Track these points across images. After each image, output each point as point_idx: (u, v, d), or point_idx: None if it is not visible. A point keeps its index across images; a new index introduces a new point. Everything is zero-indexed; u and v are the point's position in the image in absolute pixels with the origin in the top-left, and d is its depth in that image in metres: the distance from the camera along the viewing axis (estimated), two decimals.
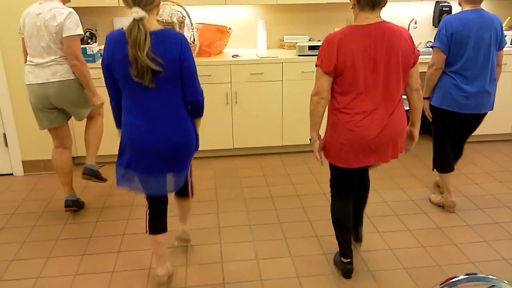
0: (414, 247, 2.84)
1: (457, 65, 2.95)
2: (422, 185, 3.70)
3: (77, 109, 3.09)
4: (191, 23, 3.82)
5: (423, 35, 4.77)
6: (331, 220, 3.09)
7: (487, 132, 4.24)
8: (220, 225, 3.12)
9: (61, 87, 2.94)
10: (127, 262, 2.73)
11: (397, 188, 3.64)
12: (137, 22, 1.93)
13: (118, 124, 2.28)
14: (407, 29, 4.62)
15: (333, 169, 2.46)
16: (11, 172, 3.97)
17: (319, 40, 4.46)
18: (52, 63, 2.90)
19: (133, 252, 2.82)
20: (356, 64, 2.15)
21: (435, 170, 3.28)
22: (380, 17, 2.20)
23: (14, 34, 3.13)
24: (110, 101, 2.24)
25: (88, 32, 4.09)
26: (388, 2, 2.23)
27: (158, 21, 3.74)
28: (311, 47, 4.07)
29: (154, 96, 2.06)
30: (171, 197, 2.50)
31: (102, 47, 4.06)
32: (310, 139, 2.44)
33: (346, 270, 2.56)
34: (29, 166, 3.93)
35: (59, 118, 3.08)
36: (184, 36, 2.07)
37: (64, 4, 2.95)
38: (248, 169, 4.05)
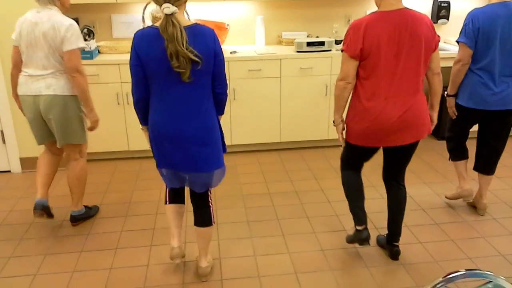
0: (411, 243, 2.85)
1: (484, 62, 2.80)
2: (420, 181, 3.70)
3: (62, 130, 2.81)
4: (189, 19, 3.81)
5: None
6: (329, 216, 3.09)
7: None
8: (218, 221, 3.12)
9: (52, 101, 2.73)
10: (125, 259, 2.73)
11: None
12: (169, 17, 1.99)
13: (143, 120, 2.31)
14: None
15: (350, 146, 2.54)
16: (8, 169, 3.96)
17: (317, 36, 4.45)
18: (49, 76, 2.72)
19: (131, 249, 2.82)
20: (381, 48, 2.24)
21: (450, 160, 3.23)
22: (402, 3, 2.29)
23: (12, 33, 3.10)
24: (136, 103, 2.23)
25: (85, 29, 4.08)
26: None
27: (156, 17, 3.76)
28: (309, 44, 4.07)
29: (187, 90, 2.12)
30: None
31: (100, 43, 4.10)
32: (333, 122, 2.53)
33: (364, 238, 2.60)
34: (27, 163, 3.93)
35: (50, 134, 2.88)
36: (214, 30, 2.14)
37: (63, 12, 2.77)
38: (246, 165, 4.05)
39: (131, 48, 2.10)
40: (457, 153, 3.17)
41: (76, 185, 3.01)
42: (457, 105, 3.00)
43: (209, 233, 2.48)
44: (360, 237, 2.60)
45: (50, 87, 2.73)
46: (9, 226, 3.10)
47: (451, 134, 3.17)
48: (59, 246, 2.86)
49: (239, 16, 4.48)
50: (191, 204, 2.47)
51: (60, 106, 2.75)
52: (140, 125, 2.36)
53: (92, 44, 3.88)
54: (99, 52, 4.07)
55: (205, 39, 2.07)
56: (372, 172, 3.79)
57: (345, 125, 2.52)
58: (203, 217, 2.44)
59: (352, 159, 2.62)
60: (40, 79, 2.73)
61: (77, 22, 4.25)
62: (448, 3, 4.56)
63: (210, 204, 2.46)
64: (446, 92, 3.02)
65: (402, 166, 2.61)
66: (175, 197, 2.55)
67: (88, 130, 2.96)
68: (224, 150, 2.36)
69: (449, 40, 4.70)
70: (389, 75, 2.29)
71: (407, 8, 2.28)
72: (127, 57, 3.92)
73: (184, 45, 1.99)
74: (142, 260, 2.72)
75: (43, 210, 2.91)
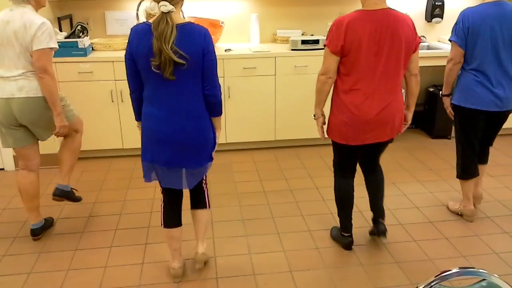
0: (406, 241, 2.86)
1: (475, 63, 2.76)
2: (413, 179, 3.72)
3: (41, 129, 2.74)
4: (183, 16, 3.79)
5: (416, 29, 4.76)
6: (324, 214, 3.10)
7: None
8: (213, 219, 3.12)
9: (26, 104, 2.61)
10: (119, 257, 2.72)
11: (389, 182, 3.66)
12: (165, 15, 2.00)
13: (138, 116, 2.32)
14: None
15: (336, 147, 2.62)
16: (2, 167, 3.94)
17: (312, 35, 4.45)
18: (20, 77, 2.59)
19: (126, 247, 2.82)
20: (361, 46, 2.28)
21: (458, 178, 3.08)
22: (386, 3, 2.33)
23: None
24: (131, 93, 2.26)
25: (79, 26, 4.06)
26: None
27: (150, 14, 3.75)
28: (304, 42, 4.07)
29: (174, 88, 2.11)
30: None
31: (94, 40, 4.07)
32: (314, 115, 2.59)
33: (347, 243, 2.75)
34: None
35: (25, 138, 2.74)
36: (207, 30, 2.13)
37: (37, 10, 2.63)
38: (241, 163, 4.05)
39: (128, 42, 2.13)
40: (470, 167, 3.01)
41: (70, 159, 2.97)
42: (456, 108, 2.92)
43: (204, 216, 2.51)
44: (344, 242, 2.77)
45: (22, 90, 2.60)
46: (2, 224, 3.08)
47: (458, 146, 3.04)
48: (53, 244, 2.84)
49: (234, 13, 4.47)
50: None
51: (34, 108, 2.63)
52: (136, 122, 2.37)
53: (86, 41, 3.86)
54: (93, 49, 4.05)
55: (194, 38, 2.06)
56: None
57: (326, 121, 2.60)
58: (198, 199, 2.49)
59: (341, 162, 2.67)
60: (12, 81, 2.60)
61: (71, 19, 4.25)
62: (442, 1, 4.57)
63: (205, 188, 2.50)
64: (440, 92, 3.01)
65: (376, 158, 2.75)
66: (172, 220, 2.46)
67: (55, 135, 2.79)
68: (213, 147, 2.34)
69: (443, 39, 4.72)
70: (369, 73, 2.34)
71: (391, 8, 2.33)
72: (121, 54, 3.90)
73: (169, 45, 1.99)
74: (137, 258, 2.71)
75: (42, 232, 2.91)
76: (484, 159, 3.12)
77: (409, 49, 2.36)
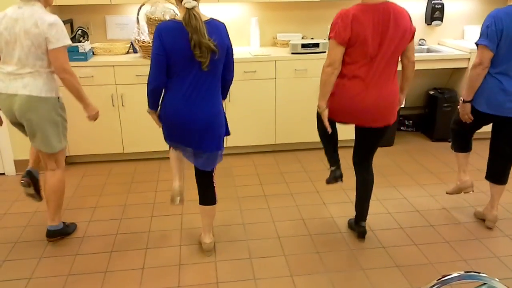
0: (406, 245, 2.85)
1: (504, 66, 2.67)
2: (414, 182, 3.71)
3: (36, 134, 2.67)
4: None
5: (416, 32, 4.74)
6: (324, 218, 3.10)
7: (480, 129, 4.26)
8: (214, 224, 3.11)
9: (26, 102, 2.58)
10: (120, 262, 2.72)
11: (389, 185, 3.65)
12: (191, 11, 2.22)
13: (154, 105, 2.46)
14: None
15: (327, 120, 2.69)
16: (3, 172, 3.94)
17: (312, 38, 4.46)
18: (27, 75, 2.58)
19: (126, 252, 2.81)
20: (366, 38, 2.42)
21: (451, 148, 3.16)
22: None
23: None
24: (154, 88, 2.38)
25: (80, 30, 4.07)
26: None
27: (151, 18, 3.76)
28: (304, 45, 4.07)
29: (203, 77, 2.35)
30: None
31: (94, 45, 4.08)
32: (318, 107, 2.67)
33: (337, 176, 2.84)
34: (21, 165, 3.89)
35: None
36: (225, 25, 2.42)
37: (45, 7, 2.63)
38: (241, 167, 4.05)
39: (155, 39, 2.27)
40: (461, 144, 3.07)
41: (52, 198, 2.80)
42: (472, 108, 2.84)
43: (213, 210, 2.73)
44: (334, 176, 2.85)
45: (26, 87, 2.58)
46: (3, 229, 3.08)
47: (458, 128, 3.02)
48: (54, 249, 2.84)
49: (234, 17, 4.48)
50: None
51: (34, 108, 2.60)
52: (148, 108, 2.49)
53: (87, 45, 3.87)
54: (93, 53, 4.06)
55: (220, 32, 2.35)
56: None
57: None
58: (208, 196, 2.68)
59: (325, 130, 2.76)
60: (18, 78, 2.59)
61: (71, 24, 4.26)
62: (442, 4, 4.58)
63: (214, 184, 2.68)
64: (461, 98, 2.88)
65: (370, 150, 2.82)
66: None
67: (89, 120, 2.86)
68: (228, 133, 2.62)
69: (443, 41, 4.73)
70: (371, 62, 2.48)
71: (389, 2, 2.47)
72: (121, 58, 3.94)
73: (206, 37, 2.23)
74: (137, 263, 2.71)
75: (31, 178, 2.87)
76: (501, 179, 2.97)
77: (407, 39, 2.53)
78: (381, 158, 4.17)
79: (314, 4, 4.46)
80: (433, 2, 4.57)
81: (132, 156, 4.18)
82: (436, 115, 4.53)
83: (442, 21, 4.64)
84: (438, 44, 4.78)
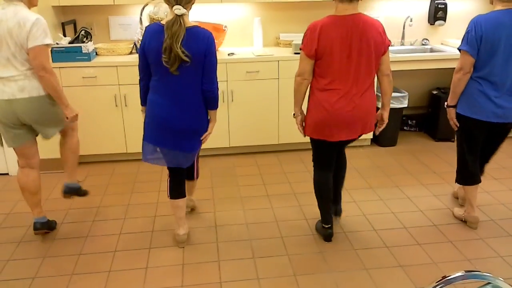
0: (410, 245, 2.85)
1: (485, 71, 2.70)
2: (417, 182, 3.71)
3: (46, 127, 2.78)
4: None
5: (419, 32, 4.78)
6: None
7: None
8: (217, 223, 3.12)
9: (30, 104, 2.62)
10: (123, 261, 2.73)
11: (393, 185, 3.65)
12: (179, 18, 2.31)
13: (144, 102, 2.64)
14: (402, 26, 4.66)
15: (313, 143, 2.78)
16: (6, 172, 3.95)
17: None
18: (20, 77, 2.58)
19: (130, 252, 2.82)
20: (334, 49, 2.45)
21: (457, 183, 3.09)
22: (357, 9, 2.48)
23: None
24: (140, 81, 2.59)
25: (83, 31, 4.08)
26: (384, 0, 2.29)
27: (154, 19, 3.77)
28: None
29: (177, 81, 2.44)
30: None
31: (98, 45, 4.10)
32: (293, 114, 2.75)
33: (327, 234, 2.88)
34: None
35: (25, 136, 2.76)
36: (211, 33, 2.43)
37: (29, 8, 2.62)
38: (244, 167, 4.05)
39: (142, 38, 2.45)
40: (465, 175, 2.99)
41: (71, 156, 3.03)
42: (458, 116, 2.87)
43: (193, 184, 3.05)
44: (325, 234, 2.89)
45: (24, 90, 2.59)
46: (7, 229, 3.09)
47: (459, 153, 3.01)
48: (58, 249, 2.85)
49: (237, 17, 4.48)
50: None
51: (37, 107, 2.66)
52: (141, 106, 2.68)
53: (90, 46, 3.88)
54: (96, 54, 4.07)
55: (199, 41, 2.37)
56: (371, 175, 3.80)
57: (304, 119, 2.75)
58: (189, 174, 2.90)
59: (319, 157, 2.82)
60: (12, 81, 2.58)
61: (75, 24, 4.27)
62: (445, 4, 4.57)
63: (195, 164, 2.89)
64: (446, 103, 2.92)
65: (343, 150, 2.95)
66: (177, 192, 2.77)
67: (68, 121, 2.83)
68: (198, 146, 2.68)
69: (446, 41, 4.72)
70: (342, 74, 2.50)
71: (361, 14, 2.48)
72: (124, 59, 3.95)
73: (179, 44, 2.30)
74: (141, 262, 2.71)
75: (43, 228, 2.92)
76: (481, 166, 3.04)
77: (379, 52, 2.51)
78: (384, 158, 4.17)
79: (317, 4, 4.46)
80: (436, 2, 4.57)
81: (135, 156, 4.19)
82: (439, 115, 4.52)
83: (445, 21, 4.64)
84: (441, 44, 4.77)
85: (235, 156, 4.26)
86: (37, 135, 2.85)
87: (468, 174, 2.97)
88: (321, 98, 2.56)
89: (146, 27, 2.46)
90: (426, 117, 4.82)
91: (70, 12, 4.23)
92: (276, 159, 4.21)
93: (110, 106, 3.93)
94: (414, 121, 4.88)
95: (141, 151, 4.10)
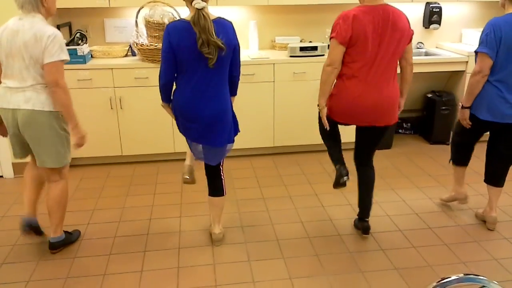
0: (405, 248, 2.86)
1: (503, 73, 2.70)
2: (413, 185, 3.72)
3: (42, 150, 2.60)
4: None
5: (414, 36, 4.78)
6: (323, 221, 3.10)
7: None
8: (212, 226, 3.11)
9: (31, 117, 2.50)
10: (118, 265, 2.71)
11: (388, 188, 3.66)
12: (200, 11, 2.31)
13: (166, 99, 2.60)
14: None
15: (328, 120, 2.73)
16: (1, 175, 3.93)
17: (310, 41, 4.47)
18: (28, 89, 2.50)
19: (125, 255, 2.81)
20: (367, 37, 2.50)
21: (451, 162, 3.19)
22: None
23: None
24: (164, 84, 2.52)
25: (78, 33, 4.07)
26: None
27: (149, 21, 3.76)
28: (302, 48, 4.08)
29: (211, 74, 2.46)
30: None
31: (93, 48, 4.09)
32: (318, 105, 2.73)
33: (343, 174, 2.79)
34: (19, 168, 3.89)
35: (30, 148, 2.66)
36: (232, 24, 2.51)
37: (47, 18, 2.56)
38: (240, 170, 4.05)
39: (164, 38, 2.41)
40: (461, 158, 3.13)
41: (55, 210, 2.74)
42: (472, 116, 2.87)
43: (221, 202, 2.86)
44: (341, 173, 2.81)
45: (29, 101, 2.50)
46: (1, 232, 3.07)
47: (459, 139, 3.07)
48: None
49: (233, 20, 4.43)
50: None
51: (38, 123, 2.52)
52: (162, 102, 2.63)
53: (85, 48, 3.87)
54: (92, 56, 4.06)
55: (228, 31, 2.45)
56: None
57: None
58: (216, 188, 2.81)
59: (328, 132, 2.82)
60: (20, 92, 2.50)
61: (70, 27, 4.26)
62: (440, 8, 4.59)
63: (222, 177, 2.82)
64: (461, 104, 2.91)
65: (371, 149, 2.88)
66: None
67: (75, 147, 2.70)
68: (237, 131, 2.73)
69: (440, 45, 4.74)
70: (371, 62, 2.54)
71: (388, 4, 2.55)
72: (120, 61, 3.94)
73: (214, 35, 2.33)
74: (136, 266, 2.70)
75: (31, 229, 2.80)
76: (498, 182, 3.01)
77: (405, 41, 2.60)
78: (379, 160, 4.18)
79: (312, 7, 4.47)
80: (431, 5, 4.59)
81: (131, 158, 4.18)
82: (434, 118, 4.55)
83: (440, 24, 4.65)
84: (436, 47, 4.80)
85: (230, 158, 4.26)
86: None
87: (464, 156, 3.11)
88: (348, 84, 2.60)
89: (169, 26, 2.41)
90: (421, 120, 4.84)
91: (65, 15, 4.22)
92: (271, 162, 4.21)
93: (105, 109, 3.92)
94: (409, 124, 4.90)
95: (136, 154, 4.12)
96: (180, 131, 2.69)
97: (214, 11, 4.34)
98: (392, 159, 4.23)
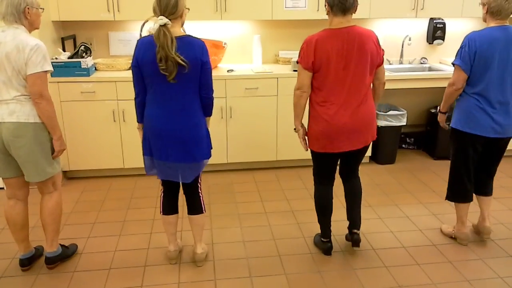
0: (409, 265, 2.81)
1: (480, 87, 2.72)
2: (416, 201, 3.68)
3: (28, 164, 2.53)
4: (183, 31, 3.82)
5: (417, 51, 4.80)
6: None
7: None
8: (214, 241, 3.08)
9: (16, 130, 2.45)
10: (118, 279, 2.68)
11: (392, 204, 3.62)
12: (162, 28, 2.31)
13: (140, 119, 2.59)
14: (401, 45, 4.68)
15: (314, 156, 2.80)
16: (1, 187, 3.91)
17: None
18: (12, 101, 2.45)
19: (125, 269, 2.77)
20: (330, 61, 2.50)
21: (447, 200, 3.07)
22: (351, 21, 2.54)
23: None
24: (136, 98, 2.54)
25: (83, 46, 4.09)
26: (382, 19, 2.34)
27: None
28: None
29: (174, 90, 2.42)
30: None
31: (97, 60, 4.10)
32: (294, 128, 2.77)
33: (327, 248, 2.91)
34: None
35: (10, 168, 2.58)
36: (204, 42, 2.45)
37: (30, 32, 2.52)
38: (242, 184, 4.02)
39: (134, 52, 2.44)
40: (458, 192, 2.99)
41: (50, 222, 2.69)
42: (454, 131, 2.89)
43: (201, 220, 2.78)
44: (324, 248, 2.92)
45: (13, 114, 2.44)
46: (1, 245, 3.04)
47: (452, 169, 3.01)
48: None
49: (237, 35, 4.50)
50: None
51: (25, 136, 2.46)
52: (137, 124, 2.62)
53: (89, 61, 3.88)
54: (95, 69, 4.07)
55: (193, 49, 2.39)
56: (369, 194, 3.78)
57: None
58: (194, 206, 2.74)
59: (320, 169, 2.84)
60: (3, 104, 2.45)
61: (74, 39, 4.28)
62: (444, 24, 4.60)
63: (200, 194, 2.75)
64: (438, 108, 3.03)
65: (355, 166, 2.89)
66: (169, 208, 2.75)
67: (54, 155, 2.63)
68: (207, 156, 2.62)
69: (444, 60, 4.74)
70: (339, 86, 2.54)
71: (356, 26, 2.54)
72: (124, 74, 3.95)
73: (173, 51, 2.31)
74: (136, 281, 2.67)
75: (30, 263, 2.77)
76: (486, 191, 3.04)
77: (374, 62, 2.57)
78: (383, 176, 4.15)
79: (315, 22, 4.48)
80: (434, 21, 4.60)
81: (133, 171, 4.16)
82: (437, 133, 4.52)
83: (443, 40, 4.66)
84: (440, 62, 4.80)
85: (233, 172, 4.24)
86: None
87: (461, 191, 2.99)
88: (320, 110, 2.60)
89: (138, 40, 2.45)
90: (424, 135, 4.82)
91: (70, 27, 4.25)
92: (274, 176, 4.19)
93: (108, 121, 3.92)
94: (412, 139, 4.88)
95: (138, 167, 4.10)
96: (146, 154, 2.56)
97: (219, 26, 4.41)
98: (395, 174, 4.20)
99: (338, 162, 2.84)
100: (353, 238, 2.90)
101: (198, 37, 2.47)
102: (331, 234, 2.92)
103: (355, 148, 2.65)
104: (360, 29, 2.53)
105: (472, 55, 2.68)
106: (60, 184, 2.77)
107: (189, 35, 2.44)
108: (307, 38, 2.56)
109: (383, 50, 2.63)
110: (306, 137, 2.75)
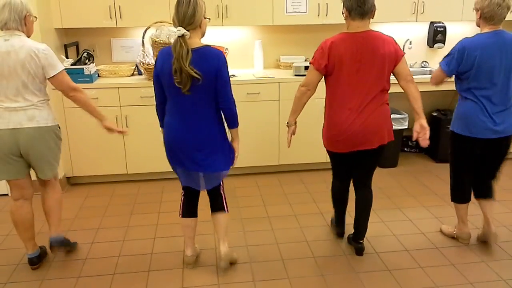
0: (412, 268, 2.82)
1: (476, 91, 2.75)
2: (419, 204, 3.69)
3: (45, 164, 2.70)
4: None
5: (418, 55, 4.82)
6: (328, 240, 3.07)
7: None
8: (217, 246, 3.08)
9: (37, 134, 2.58)
10: (122, 284, 2.69)
11: (394, 207, 3.63)
12: (180, 38, 2.31)
13: (162, 123, 2.63)
14: (402, 48, 4.70)
15: (330, 154, 2.90)
16: (6, 193, 3.94)
17: None
18: (30, 107, 2.56)
19: (129, 274, 2.79)
20: (342, 64, 2.55)
21: (452, 201, 3.10)
22: (368, 26, 2.59)
23: None
24: (157, 106, 2.59)
25: (85, 53, 4.12)
26: (383, 23, 2.38)
27: (155, 41, 3.80)
28: (307, 67, 4.07)
29: (190, 102, 2.42)
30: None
31: (100, 67, 4.13)
32: (287, 123, 2.84)
33: (337, 233, 3.15)
34: None
35: (22, 170, 2.69)
36: (222, 52, 2.44)
37: (28, 37, 2.62)
38: (244, 188, 4.03)
39: (155, 61, 2.50)
40: (459, 193, 3.03)
41: (56, 209, 2.87)
42: (454, 135, 2.92)
43: (223, 219, 2.76)
44: (337, 231, 3.15)
45: (33, 119, 2.57)
46: (5, 251, 3.06)
47: (452, 171, 3.04)
48: (56, 272, 2.82)
49: (238, 40, 4.53)
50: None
51: (44, 138, 2.62)
52: (160, 128, 2.65)
53: (92, 67, 3.91)
54: (98, 75, 4.10)
55: (208, 60, 2.37)
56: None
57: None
58: (217, 205, 2.75)
59: (336, 167, 2.95)
60: (20, 111, 2.54)
61: (77, 46, 4.32)
62: (444, 27, 4.62)
63: (223, 194, 2.76)
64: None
65: (368, 170, 2.87)
66: (188, 211, 2.77)
67: (110, 132, 2.89)
68: (225, 167, 2.61)
69: None
70: (352, 89, 2.58)
71: (372, 30, 2.58)
72: (126, 80, 3.97)
73: (187, 63, 2.29)
74: (140, 285, 2.68)
75: (39, 261, 2.85)
76: (486, 193, 3.02)
77: (391, 63, 2.58)
78: (385, 179, 4.16)
79: (316, 27, 4.51)
80: (435, 25, 4.62)
81: (136, 177, 4.18)
82: (439, 137, 4.53)
83: (444, 43, 4.68)
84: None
85: (235, 177, 4.25)
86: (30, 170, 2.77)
87: (459, 192, 3.03)
88: (332, 114, 2.67)
89: (159, 51, 2.48)
90: None
91: (72, 34, 4.28)
92: (276, 180, 4.20)
93: None
94: (414, 142, 4.88)
95: (141, 172, 4.12)
96: (169, 161, 2.63)
97: (220, 31, 4.44)
98: (397, 178, 4.20)
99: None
100: (358, 248, 2.93)
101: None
102: (344, 223, 3.12)
103: (364, 147, 2.67)
104: (376, 33, 2.57)
105: (459, 61, 2.73)
106: (58, 174, 2.91)
107: (207, 45, 2.42)
108: (324, 41, 2.61)
109: (402, 51, 2.65)
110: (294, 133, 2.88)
